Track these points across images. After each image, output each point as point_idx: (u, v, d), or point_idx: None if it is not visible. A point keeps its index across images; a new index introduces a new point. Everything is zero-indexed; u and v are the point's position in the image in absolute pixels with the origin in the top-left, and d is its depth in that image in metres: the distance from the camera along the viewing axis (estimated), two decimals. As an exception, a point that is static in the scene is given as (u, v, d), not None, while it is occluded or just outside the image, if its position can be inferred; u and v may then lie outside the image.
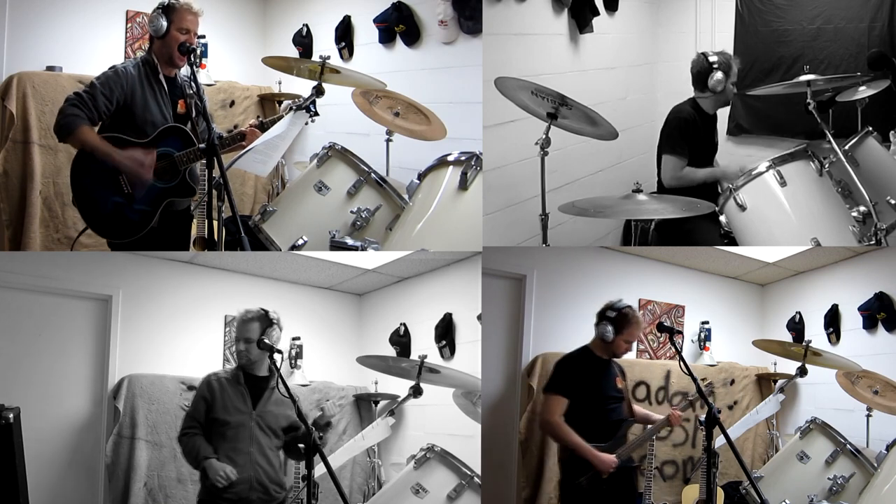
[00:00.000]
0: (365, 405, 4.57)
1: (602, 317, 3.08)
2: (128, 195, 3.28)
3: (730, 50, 4.91)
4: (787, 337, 4.54)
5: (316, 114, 3.24)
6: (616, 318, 3.05)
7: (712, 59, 3.84)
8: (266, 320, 2.83)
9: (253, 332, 2.81)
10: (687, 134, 3.85)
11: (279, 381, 2.52)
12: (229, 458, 2.72)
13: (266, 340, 2.67)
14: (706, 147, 4.00)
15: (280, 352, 2.63)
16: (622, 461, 2.97)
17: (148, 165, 3.23)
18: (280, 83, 5.48)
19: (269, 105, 5.52)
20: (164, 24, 3.27)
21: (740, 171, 3.73)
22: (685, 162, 3.85)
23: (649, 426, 3.18)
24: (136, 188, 3.28)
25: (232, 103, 5.33)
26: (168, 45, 3.31)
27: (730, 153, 5.00)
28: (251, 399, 2.83)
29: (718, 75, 3.80)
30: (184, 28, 3.30)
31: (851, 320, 4.19)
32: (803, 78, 3.44)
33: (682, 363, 2.62)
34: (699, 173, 3.86)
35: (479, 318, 3.84)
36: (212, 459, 2.68)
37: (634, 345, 4.34)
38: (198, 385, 2.88)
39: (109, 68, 3.31)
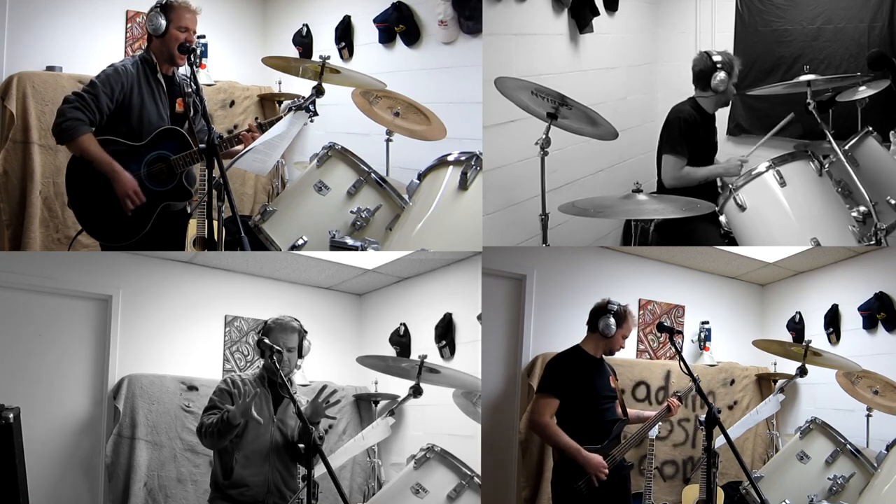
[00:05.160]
0: (365, 405, 4.57)
1: (603, 311, 3.08)
2: None
3: (730, 50, 4.91)
4: (787, 337, 4.54)
5: (315, 114, 3.24)
6: (617, 312, 3.06)
7: (716, 58, 3.80)
8: (301, 331, 2.85)
9: (294, 341, 2.81)
10: (687, 133, 3.84)
11: (279, 380, 2.51)
12: (248, 459, 2.69)
13: (266, 340, 2.65)
14: (706, 147, 4.00)
15: (280, 352, 2.62)
16: (617, 462, 2.95)
17: (134, 201, 3.22)
18: (280, 83, 5.48)
19: (269, 105, 5.52)
20: (163, 22, 3.27)
21: (740, 164, 3.75)
22: (685, 161, 3.84)
23: (646, 421, 3.19)
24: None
25: (232, 103, 5.33)
26: (167, 44, 3.31)
27: (730, 153, 5.00)
28: (273, 405, 2.80)
29: (721, 75, 3.78)
30: (183, 26, 3.30)
31: (851, 320, 4.19)
32: (803, 78, 3.43)
33: (682, 363, 2.62)
34: (700, 172, 3.85)
35: (479, 318, 3.84)
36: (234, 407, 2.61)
37: (634, 345, 4.37)
38: (219, 382, 2.82)
39: (109, 66, 3.30)
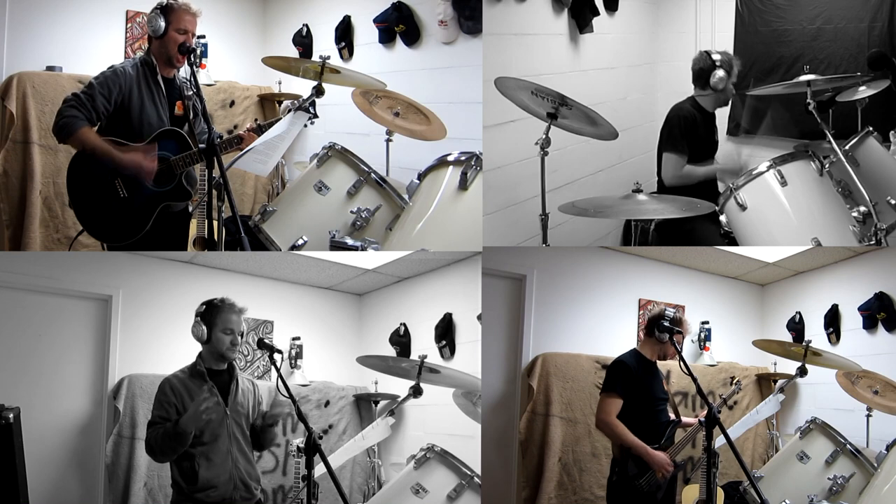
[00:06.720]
0: (365, 405, 4.57)
1: (660, 318, 3.11)
2: (123, 199, 3.28)
3: (730, 50, 4.91)
4: (787, 337, 4.53)
5: (315, 115, 3.24)
6: (672, 319, 3.10)
7: (715, 57, 3.87)
8: (241, 311, 2.78)
9: (242, 324, 2.77)
10: (687, 132, 3.87)
11: (279, 381, 2.49)
12: (210, 460, 2.62)
13: (266, 340, 2.64)
14: (706, 145, 4.01)
15: (280, 352, 2.57)
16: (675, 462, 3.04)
17: (148, 166, 3.23)
18: (280, 83, 5.48)
19: (269, 105, 5.52)
20: (162, 24, 3.27)
21: (738, 157, 3.78)
22: (685, 160, 3.86)
23: (690, 428, 3.24)
24: (133, 191, 3.28)
25: (232, 103, 5.33)
26: (166, 46, 3.32)
27: (729, 153, 5.00)
28: (220, 396, 2.71)
29: (721, 73, 3.83)
30: (182, 28, 3.30)
31: (851, 320, 4.19)
32: (803, 78, 3.44)
33: (682, 363, 2.63)
34: (699, 170, 3.87)
35: (479, 318, 3.84)
36: (185, 414, 2.56)
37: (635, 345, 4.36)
38: (156, 391, 2.71)
39: (108, 68, 3.31)
